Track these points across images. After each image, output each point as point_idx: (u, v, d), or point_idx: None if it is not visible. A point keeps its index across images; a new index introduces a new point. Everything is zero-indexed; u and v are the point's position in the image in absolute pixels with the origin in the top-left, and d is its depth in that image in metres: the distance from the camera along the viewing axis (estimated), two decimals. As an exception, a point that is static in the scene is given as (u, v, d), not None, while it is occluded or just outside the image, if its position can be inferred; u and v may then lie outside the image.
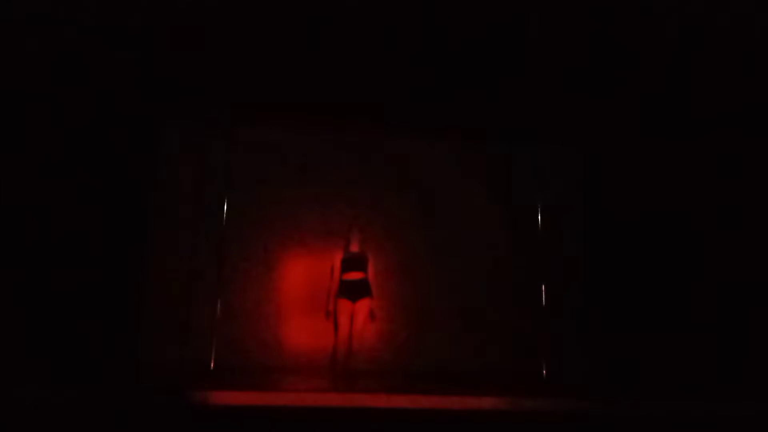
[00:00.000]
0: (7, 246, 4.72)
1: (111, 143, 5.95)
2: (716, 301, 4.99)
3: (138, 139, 6.49)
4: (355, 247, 5.97)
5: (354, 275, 5.79)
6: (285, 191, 7.44)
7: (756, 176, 4.79)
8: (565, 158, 7.82)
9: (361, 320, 5.67)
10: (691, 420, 3.16)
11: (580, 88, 7.18)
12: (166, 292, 7.07)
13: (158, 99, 6.68)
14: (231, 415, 3.07)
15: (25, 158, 4.86)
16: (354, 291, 5.74)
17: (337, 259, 5.97)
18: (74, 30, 5.22)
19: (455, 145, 7.73)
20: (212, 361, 5.82)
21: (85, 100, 5.57)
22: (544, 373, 5.54)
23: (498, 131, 7.43)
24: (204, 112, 7.17)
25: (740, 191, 4.89)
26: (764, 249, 4.69)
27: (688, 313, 5.48)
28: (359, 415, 3.11)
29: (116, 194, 6.08)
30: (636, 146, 6.33)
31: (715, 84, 5.18)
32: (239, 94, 6.60)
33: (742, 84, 4.94)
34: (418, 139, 7.66)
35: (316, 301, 6.80)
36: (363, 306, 5.73)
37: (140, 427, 2.98)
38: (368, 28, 5.92)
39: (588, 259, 7.35)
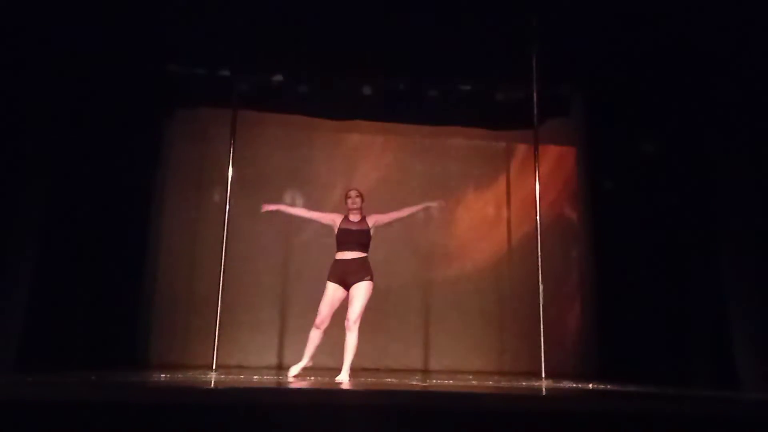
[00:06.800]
0: (4, 245, 4.71)
1: (110, 141, 5.96)
2: (717, 300, 4.98)
3: (137, 137, 6.49)
4: (353, 224, 4.92)
5: (353, 254, 4.83)
6: (287, 188, 7.46)
7: (757, 171, 4.78)
8: (566, 155, 7.83)
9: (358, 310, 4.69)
10: (690, 418, 3.16)
11: (580, 86, 7.22)
12: (166, 291, 7.09)
13: (160, 91, 6.71)
14: (230, 414, 3.07)
15: (20, 153, 4.85)
16: (349, 272, 4.79)
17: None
18: (74, 22, 5.23)
19: (457, 138, 7.73)
20: (213, 360, 5.81)
21: (85, 90, 5.56)
22: (543, 373, 5.53)
23: (498, 126, 7.44)
24: (206, 109, 7.18)
25: (742, 190, 4.88)
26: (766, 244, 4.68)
27: (689, 312, 5.47)
28: (355, 414, 3.11)
29: (116, 192, 6.08)
30: (637, 145, 6.33)
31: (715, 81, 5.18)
32: (241, 80, 6.62)
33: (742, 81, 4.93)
34: (417, 135, 7.67)
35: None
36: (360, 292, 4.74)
37: (140, 427, 2.98)
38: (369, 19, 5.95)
39: (588, 259, 7.35)
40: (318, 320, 4.85)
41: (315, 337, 4.89)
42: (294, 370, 4.94)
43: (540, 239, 5.86)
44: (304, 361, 4.93)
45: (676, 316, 5.61)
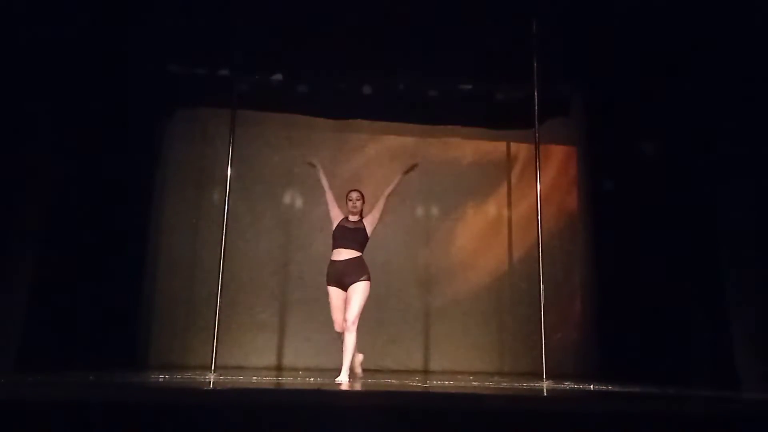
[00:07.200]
0: (4, 245, 4.71)
1: (110, 141, 5.96)
2: (717, 300, 4.98)
3: (137, 137, 6.49)
4: (350, 223, 4.90)
5: (348, 253, 4.81)
6: (287, 187, 7.46)
7: (758, 171, 4.78)
8: (566, 155, 7.83)
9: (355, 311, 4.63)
10: (690, 418, 3.16)
11: (580, 86, 7.22)
12: (166, 291, 7.08)
13: (160, 91, 6.71)
14: (229, 415, 3.06)
15: (20, 153, 4.85)
16: (345, 273, 4.75)
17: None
18: (73, 22, 5.24)
19: (457, 138, 7.73)
20: (213, 361, 5.81)
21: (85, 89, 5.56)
22: (544, 373, 5.53)
23: (498, 126, 7.44)
24: (206, 109, 7.18)
25: (742, 190, 4.88)
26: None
27: (689, 312, 5.47)
28: (355, 415, 3.10)
29: (116, 192, 6.08)
30: (637, 145, 6.32)
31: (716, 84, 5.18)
32: (241, 80, 6.64)
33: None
34: (417, 134, 7.67)
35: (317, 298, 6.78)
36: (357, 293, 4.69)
37: (139, 427, 2.98)
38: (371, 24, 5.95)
39: (588, 259, 7.35)
40: (336, 327, 4.86)
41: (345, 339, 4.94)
42: (358, 369, 5.00)
43: (541, 240, 5.85)
44: (357, 357, 4.97)
45: (676, 316, 5.61)
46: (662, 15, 5.57)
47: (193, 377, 4.71)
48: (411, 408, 3.19)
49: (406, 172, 5.12)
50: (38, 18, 4.97)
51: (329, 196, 5.04)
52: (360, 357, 5.02)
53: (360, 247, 4.84)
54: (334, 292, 4.82)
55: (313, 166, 5.26)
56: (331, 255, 4.88)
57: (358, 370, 5.02)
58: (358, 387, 4.19)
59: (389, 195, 4.98)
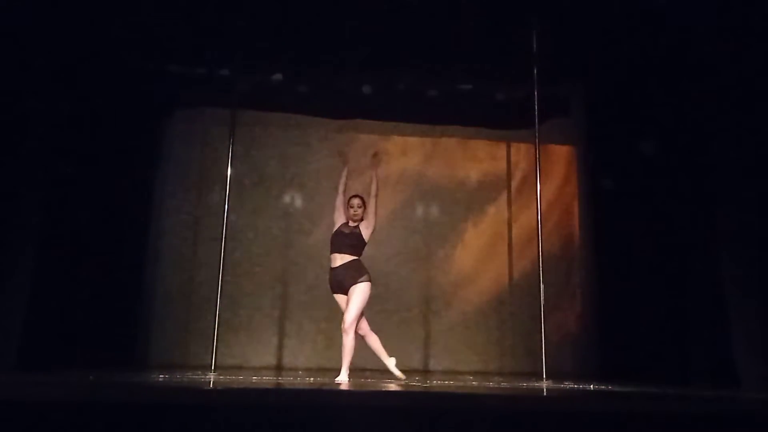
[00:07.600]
0: (4, 245, 4.71)
1: (110, 141, 5.96)
2: (716, 300, 4.98)
3: (137, 137, 6.49)
4: (347, 228, 4.88)
5: (343, 258, 4.77)
6: (287, 187, 7.46)
7: (757, 170, 4.77)
8: (566, 155, 7.83)
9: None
10: (690, 418, 3.16)
11: (580, 86, 7.22)
12: (166, 291, 7.08)
13: (160, 91, 6.71)
14: (229, 415, 3.06)
15: (21, 154, 4.85)
16: (343, 278, 4.74)
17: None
18: (74, 22, 5.24)
19: (457, 138, 7.73)
20: (212, 360, 5.81)
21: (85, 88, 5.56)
22: (544, 373, 5.53)
23: (498, 126, 7.45)
24: (206, 109, 7.18)
25: (742, 189, 4.87)
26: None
27: (689, 312, 5.47)
28: (355, 415, 3.10)
29: (116, 192, 6.08)
30: (637, 144, 6.32)
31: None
32: (241, 80, 6.64)
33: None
34: (417, 134, 7.67)
35: (317, 298, 6.79)
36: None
37: (139, 427, 2.98)
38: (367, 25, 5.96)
39: (588, 259, 7.35)
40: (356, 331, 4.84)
41: (369, 342, 4.94)
42: (395, 371, 5.01)
43: (541, 240, 5.85)
44: (389, 361, 4.99)
45: (675, 316, 5.61)
46: (662, 15, 5.57)
47: (193, 377, 4.71)
48: (411, 408, 3.19)
49: (375, 165, 5.05)
50: (39, 18, 4.97)
51: (339, 199, 4.99)
52: (393, 360, 5.00)
53: (356, 251, 4.81)
54: (340, 299, 4.83)
55: (343, 159, 5.19)
56: (329, 263, 4.87)
57: (397, 373, 5.00)
58: (357, 387, 4.19)
59: (375, 196, 4.95)
